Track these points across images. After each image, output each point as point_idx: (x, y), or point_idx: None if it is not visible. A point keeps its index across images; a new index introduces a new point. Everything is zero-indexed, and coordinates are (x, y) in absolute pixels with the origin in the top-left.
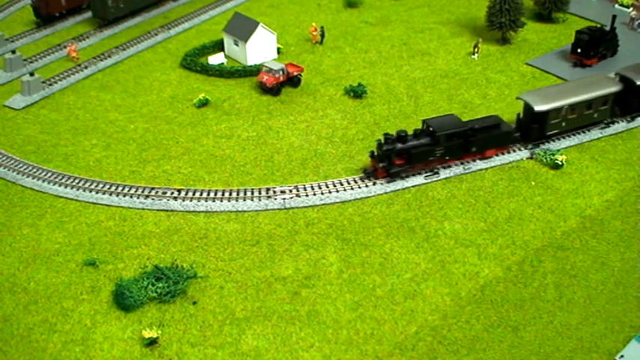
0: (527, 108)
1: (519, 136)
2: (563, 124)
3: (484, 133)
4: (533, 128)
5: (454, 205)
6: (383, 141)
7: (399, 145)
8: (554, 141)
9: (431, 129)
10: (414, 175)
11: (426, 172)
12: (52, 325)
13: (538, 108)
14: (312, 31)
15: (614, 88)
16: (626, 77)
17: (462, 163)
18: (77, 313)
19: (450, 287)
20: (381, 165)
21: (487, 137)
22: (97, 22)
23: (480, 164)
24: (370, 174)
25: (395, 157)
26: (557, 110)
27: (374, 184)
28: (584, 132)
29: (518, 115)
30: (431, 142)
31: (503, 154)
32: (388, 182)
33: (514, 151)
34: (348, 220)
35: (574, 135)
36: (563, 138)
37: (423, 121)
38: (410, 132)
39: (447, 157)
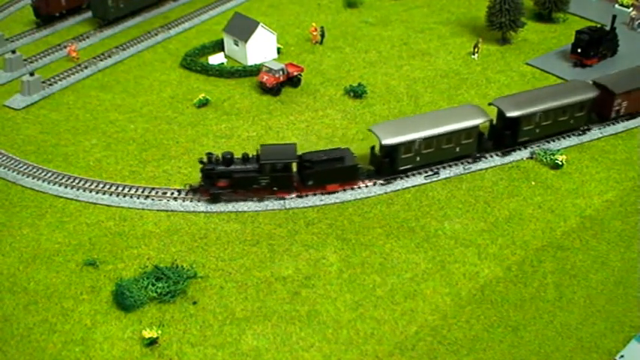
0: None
1: (374, 171)
2: (418, 158)
3: (323, 166)
4: (384, 162)
5: (454, 205)
6: (205, 159)
7: (221, 168)
8: (406, 177)
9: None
10: (252, 200)
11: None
12: (52, 325)
13: (385, 142)
14: (312, 31)
15: (476, 121)
16: (499, 109)
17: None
18: (77, 313)
19: (450, 287)
20: (202, 184)
21: (327, 171)
22: (97, 22)
23: (480, 164)
24: (195, 190)
25: (217, 179)
26: (409, 144)
27: (207, 200)
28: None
29: (372, 147)
30: (256, 169)
31: (352, 188)
32: (210, 203)
33: (366, 186)
34: (348, 220)
35: (573, 135)
36: (424, 170)
37: (260, 146)
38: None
39: (276, 189)
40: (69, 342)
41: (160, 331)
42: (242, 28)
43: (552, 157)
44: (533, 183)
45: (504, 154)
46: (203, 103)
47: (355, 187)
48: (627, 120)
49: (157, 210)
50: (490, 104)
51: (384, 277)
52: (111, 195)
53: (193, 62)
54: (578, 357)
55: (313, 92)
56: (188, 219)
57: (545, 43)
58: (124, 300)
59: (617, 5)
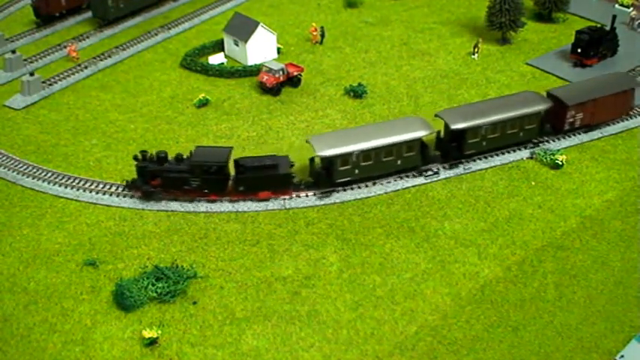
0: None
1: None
2: (356, 171)
3: (255, 172)
4: (322, 174)
5: (454, 205)
6: (140, 156)
7: (153, 166)
8: (343, 189)
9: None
10: (177, 200)
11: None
12: (52, 325)
13: (321, 154)
14: (312, 31)
15: (418, 134)
16: (444, 121)
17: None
18: (77, 313)
19: (450, 287)
20: (134, 180)
21: (260, 178)
22: (97, 22)
23: (480, 164)
24: (130, 186)
25: (150, 177)
26: (347, 156)
27: (140, 198)
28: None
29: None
30: (187, 170)
31: (285, 198)
32: (143, 200)
33: (300, 196)
34: (348, 220)
35: (575, 136)
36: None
37: (195, 147)
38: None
39: (207, 191)
40: (69, 342)
41: (160, 331)
42: (242, 28)
43: (552, 157)
44: (533, 183)
45: (451, 167)
46: (203, 103)
47: (288, 197)
48: (585, 132)
49: (157, 210)
50: (436, 115)
51: (384, 277)
52: (111, 195)
53: (193, 62)
54: (578, 357)
55: (313, 92)
56: (188, 219)
57: (545, 43)
58: (124, 300)
59: (617, 5)
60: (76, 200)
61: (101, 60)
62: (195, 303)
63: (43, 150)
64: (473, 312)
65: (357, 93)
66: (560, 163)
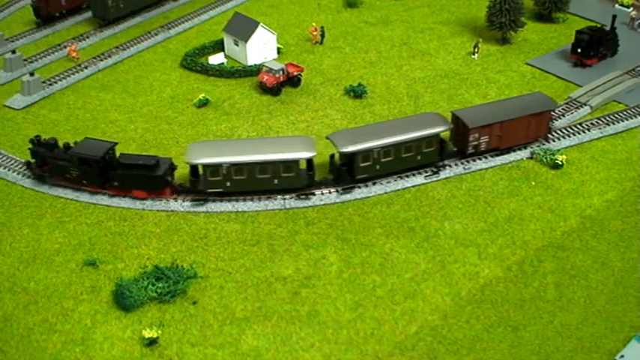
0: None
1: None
2: (228, 184)
3: (128, 170)
4: (193, 181)
5: (454, 205)
6: (35, 141)
7: (43, 151)
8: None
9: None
10: (72, 188)
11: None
12: (52, 325)
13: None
14: (312, 31)
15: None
16: (333, 143)
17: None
18: (77, 313)
19: (450, 287)
20: (31, 163)
21: (132, 176)
22: (97, 22)
23: (480, 164)
24: (28, 167)
25: (41, 162)
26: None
27: (34, 179)
28: (582, 132)
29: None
30: (69, 160)
31: (161, 200)
32: (38, 182)
33: (174, 199)
34: (348, 220)
35: (573, 135)
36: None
37: (84, 138)
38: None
39: (85, 182)
40: (69, 342)
41: (160, 331)
42: (242, 28)
43: (552, 157)
44: (533, 183)
45: (344, 191)
46: (203, 103)
47: (164, 198)
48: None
49: (157, 210)
50: (327, 138)
51: (384, 277)
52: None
53: (193, 62)
54: (578, 357)
55: (313, 92)
56: (188, 219)
57: (545, 43)
58: (124, 300)
59: (617, 5)
60: (75, 200)
61: (101, 60)
62: (195, 303)
63: None
64: (473, 312)
65: (357, 93)
66: (560, 163)
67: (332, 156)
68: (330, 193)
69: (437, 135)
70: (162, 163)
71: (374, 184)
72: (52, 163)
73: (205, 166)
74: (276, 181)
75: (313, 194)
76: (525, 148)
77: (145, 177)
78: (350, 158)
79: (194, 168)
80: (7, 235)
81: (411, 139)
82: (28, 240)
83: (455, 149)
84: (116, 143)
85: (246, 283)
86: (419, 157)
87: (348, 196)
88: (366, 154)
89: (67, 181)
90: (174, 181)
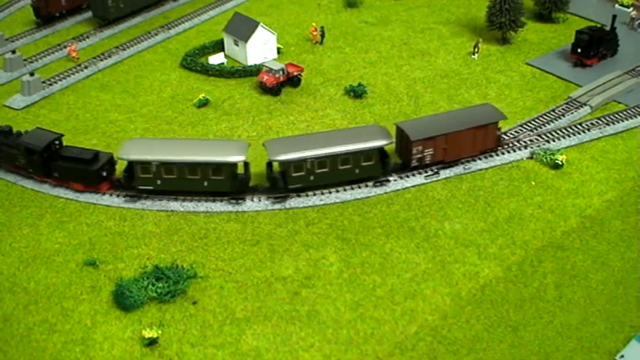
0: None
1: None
2: (158, 182)
3: (66, 162)
4: (126, 177)
5: (454, 205)
6: None
7: None
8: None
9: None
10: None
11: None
12: (52, 325)
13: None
14: (312, 31)
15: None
16: (266, 151)
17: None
18: (77, 313)
19: (450, 287)
20: None
21: (69, 168)
22: (97, 22)
23: (480, 164)
24: None
25: None
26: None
27: None
28: (583, 132)
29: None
30: (16, 148)
31: (104, 193)
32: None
33: (114, 195)
34: (348, 220)
35: (573, 135)
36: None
37: (36, 128)
38: None
39: (31, 171)
40: (69, 342)
41: (160, 331)
42: (242, 28)
43: (552, 157)
44: (533, 183)
45: (277, 200)
46: (203, 103)
47: (100, 192)
48: (585, 132)
49: (157, 210)
50: (263, 145)
51: (384, 277)
52: (111, 195)
53: (193, 62)
54: (578, 357)
55: (313, 92)
56: (188, 219)
57: (545, 43)
58: (124, 300)
59: (617, 5)
60: (75, 200)
61: (101, 60)
62: (195, 303)
63: None
64: (473, 312)
65: (357, 93)
66: (560, 163)
67: (269, 163)
68: (260, 200)
69: (376, 149)
70: (101, 157)
71: (359, 187)
72: (4, 150)
73: (135, 162)
74: (357, 171)
75: (244, 200)
76: (525, 148)
77: (81, 170)
78: (284, 167)
79: (129, 164)
80: (7, 235)
81: (347, 152)
82: (28, 240)
83: (400, 162)
84: (62, 135)
85: (246, 283)
86: (357, 171)
87: (348, 196)
88: (298, 163)
89: (17, 168)
90: (114, 176)
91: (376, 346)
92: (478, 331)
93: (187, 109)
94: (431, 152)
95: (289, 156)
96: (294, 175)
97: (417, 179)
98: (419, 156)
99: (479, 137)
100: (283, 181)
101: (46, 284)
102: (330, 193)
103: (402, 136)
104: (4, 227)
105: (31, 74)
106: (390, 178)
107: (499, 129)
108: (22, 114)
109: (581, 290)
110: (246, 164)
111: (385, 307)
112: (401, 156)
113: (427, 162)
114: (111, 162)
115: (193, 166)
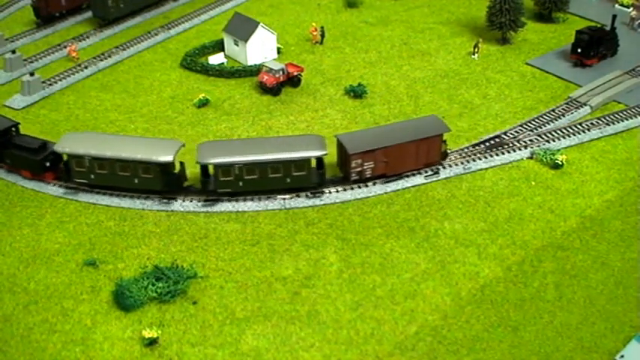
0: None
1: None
2: (92, 176)
3: (16, 150)
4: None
5: (454, 205)
6: None
7: None
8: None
9: None
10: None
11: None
12: (52, 325)
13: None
14: (312, 31)
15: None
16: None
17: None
18: (77, 313)
19: (450, 287)
20: None
21: (18, 156)
22: (97, 22)
23: (480, 164)
24: None
25: None
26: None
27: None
28: (583, 132)
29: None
30: None
31: (49, 183)
32: None
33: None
34: (348, 220)
35: (573, 135)
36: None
37: None
38: None
39: None
40: (69, 342)
41: (160, 331)
42: (242, 28)
43: (552, 157)
44: (533, 183)
45: (207, 203)
46: (203, 103)
47: (48, 181)
48: (585, 132)
49: (157, 210)
50: (197, 146)
51: (384, 277)
52: (111, 195)
53: (193, 62)
54: (578, 357)
55: (313, 92)
56: (188, 219)
57: (545, 43)
58: (124, 300)
59: (617, 5)
60: (75, 200)
61: (101, 60)
62: (195, 303)
63: None
64: (473, 312)
65: (357, 93)
66: (560, 163)
67: (202, 165)
68: (191, 201)
69: (308, 159)
70: (48, 148)
71: (374, 184)
72: None
73: (70, 156)
74: (288, 180)
75: (174, 199)
76: (525, 148)
77: (27, 159)
78: (215, 170)
79: (61, 157)
80: (7, 235)
81: (276, 160)
82: (28, 240)
83: (341, 175)
84: (18, 123)
85: (246, 283)
86: (289, 180)
87: (348, 196)
88: (226, 168)
89: None
90: (59, 166)
91: (376, 346)
92: (478, 331)
93: (187, 109)
94: (371, 165)
95: (216, 160)
96: (223, 179)
97: (417, 179)
98: (358, 169)
99: (422, 150)
100: (214, 184)
101: (46, 284)
102: (330, 193)
103: (341, 149)
104: (4, 227)
105: (31, 74)
106: (327, 190)
107: (444, 142)
108: (22, 114)
109: (581, 290)
110: (182, 164)
111: (385, 307)
112: (341, 169)
113: (368, 175)
114: (57, 153)
115: (124, 163)
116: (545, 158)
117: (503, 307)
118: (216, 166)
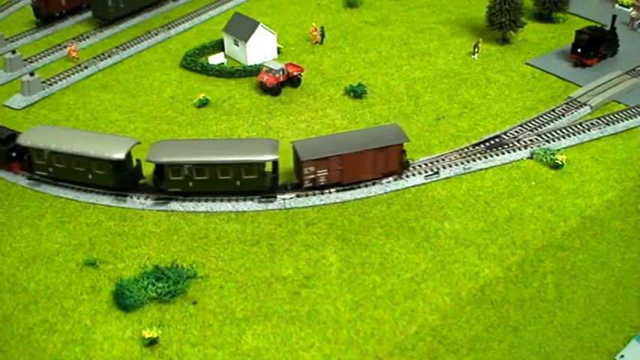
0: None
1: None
2: (50, 169)
3: None
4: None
5: (454, 205)
6: None
7: None
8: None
9: None
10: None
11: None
12: (52, 325)
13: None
14: (312, 31)
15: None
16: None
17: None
18: (77, 313)
19: (450, 287)
20: None
21: None
22: (97, 22)
23: (480, 164)
24: None
25: None
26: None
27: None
28: (583, 132)
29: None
30: None
31: (31, 177)
32: None
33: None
34: (348, 220)
35: (573, 135)
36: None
37: None
38: None
39: None
40: (69, 342)
41: (160, 331)
42: (242, 28)
43: (552, 157)
44: (533, 183)
45: (159, 202)
46: (203, 103)
47: (14, 171)
48: (585, 132)
49: (157, 210)
50: (150, 145)
51: (384, 277)
52: (111, 195)
53: (193, 62)
54: (578, 357)
55: (313, 92)
56: (188, 219)
57: (545, 43)
58: (124, 300)
59: (617, 5)
60: (76, 200)
61: (101, 60)
62: (195, 303)
63: None
64: (473, 312)
65: (357, 93)
66: (560, 163)
67: (157, 164)
68: (145, 199)
69: (257, 163)
70: (17, 139)
71: (359, 186)
72: None
73: (31, 149)
74: (238, 183)
75: (128, 196)
76: (525, 148)
77: None
78: (165, 170)
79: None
80: (7, 235)
81: (225, 163)
82: (28, 240)
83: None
84: None
85: (246, 283)
86: (238, 183)
87: (348, 196)
88: (176, 168)
89: None
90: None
91: (376, 346)
92: (478, 331)
93: (187, 109)
94: (325, 173)
95: (166, 159)
96: (173, 178)
97: (417, 179)
98: (311, 176)
99: (380, 160)
100: (165, 184)
101: (46, 284)
102: (330, 193)
103: (295, 156)
104: (4, 227)
105: (31, 74)
106: (280, 196)
107: (404, 152)
108: (22, 114)
109: (581, 290)
110: (138, 161)
111: (385, 307)
112: (297, 175)
113: (321, 183)
114: (18, 143)
115: (78, 158)
116: (545, 158)
117: (503, 307)
118: (166, 165)
